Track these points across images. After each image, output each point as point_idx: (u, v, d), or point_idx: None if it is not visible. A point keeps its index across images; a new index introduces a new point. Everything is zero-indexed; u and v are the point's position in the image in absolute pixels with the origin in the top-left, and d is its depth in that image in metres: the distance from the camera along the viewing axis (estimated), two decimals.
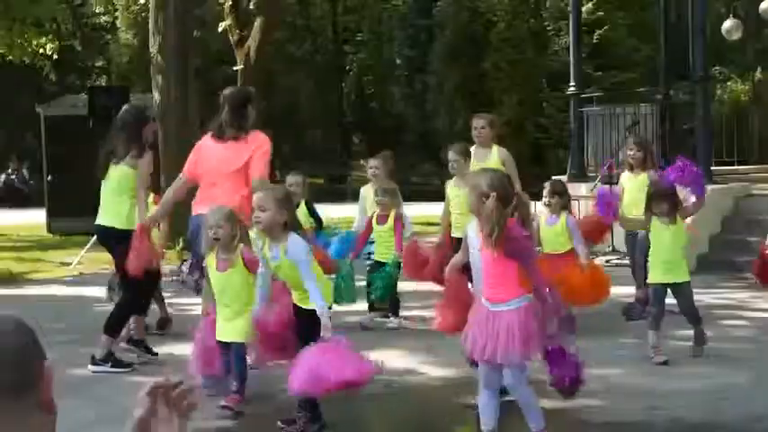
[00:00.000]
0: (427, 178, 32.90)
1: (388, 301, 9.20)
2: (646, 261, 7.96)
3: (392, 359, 7.75)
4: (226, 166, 7.01)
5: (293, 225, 5.84)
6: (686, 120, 15.47)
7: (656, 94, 18.01)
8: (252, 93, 7.53)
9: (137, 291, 7.65)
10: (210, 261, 6.44)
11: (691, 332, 7.84)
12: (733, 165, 17.64)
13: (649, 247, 7.74)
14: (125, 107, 8.25)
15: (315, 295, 5.70)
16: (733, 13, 18.52)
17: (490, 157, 8.87)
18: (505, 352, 5.17)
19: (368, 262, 9.48)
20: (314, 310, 5.73)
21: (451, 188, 8.80)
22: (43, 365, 1.72)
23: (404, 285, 9.41)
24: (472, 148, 8.87)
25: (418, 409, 6.77)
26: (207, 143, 7.26)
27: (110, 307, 7.88)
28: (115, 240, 7.63)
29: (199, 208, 7.08)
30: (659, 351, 7.47)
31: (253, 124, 7.19)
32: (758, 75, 27.88)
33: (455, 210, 8.72)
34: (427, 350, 8.00)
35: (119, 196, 7.61)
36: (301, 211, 8.52)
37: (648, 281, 7.82)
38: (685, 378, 7.03)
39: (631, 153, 9.42)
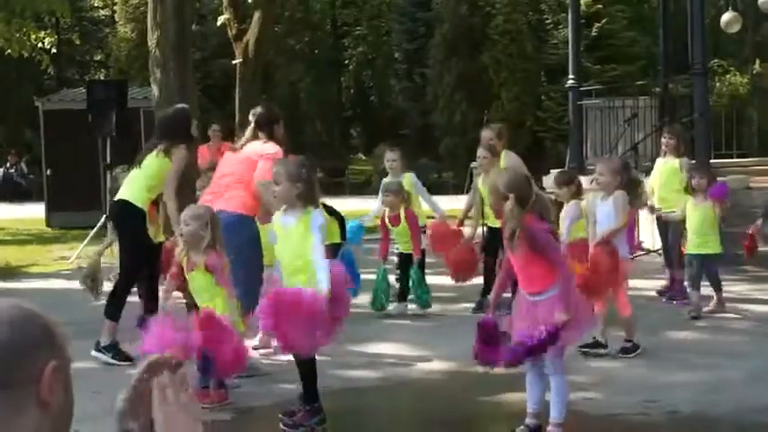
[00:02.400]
0: (425, 172, 32.92)
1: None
2: (680, 245, 9.24)
3: (391, 351, 7.78)
4: (233, 163, 7.25)
5: (309, 197, 5.85)
6: (685, 112, 15.49)
7: (655, 86, 18.05)
8: (278, 113, 7.70)
9: (136, 271, 7.70)
10: (182, 258, 6.39)
11: (684, 332, 8.03)
12: (732, 157, 17.65)
13: (684, 230, 9.04)
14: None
15: (321, 273, 5.69)
16: (732, 6, 18.52)
17: (498, 165, 9.19)
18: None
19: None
20: None
21: (482, 184, 9.09)
22: (42, 364, 1.68)
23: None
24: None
25: (416, 402, 6.79)
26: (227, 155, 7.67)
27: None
28: (122, 212, 7.72)
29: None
30: (697, 308, 8.74)
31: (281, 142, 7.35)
32: (757, 67, 27.91)
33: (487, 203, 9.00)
34: (425, 343, 8.02)
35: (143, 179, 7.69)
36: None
37: (686, 251, 8.98)
38: (681, 370, 7.05)
39: (665, 141, 10.06)
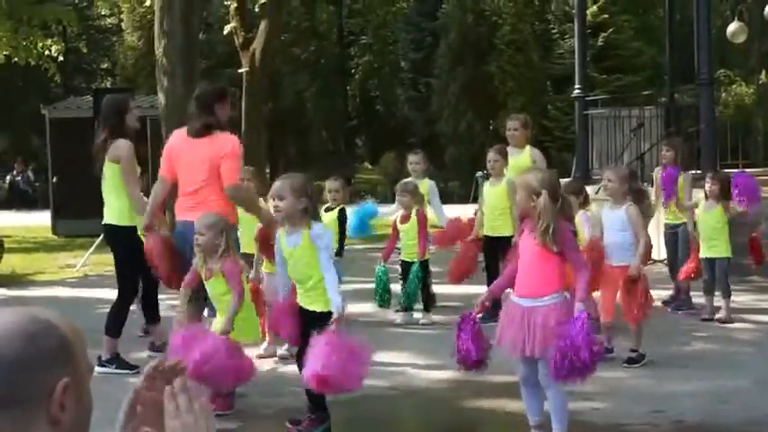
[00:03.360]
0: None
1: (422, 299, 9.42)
2: (687, 255, 9.38)
3: (397, 360, 7.77)
4: (196, 165, 6.89)
5: (314, 213, 5.86)
6: (691, 122, 15.48)
7: (661, 96, 18.04)
8: (224, 91, 7.20)
9: (131, 291, 7.68)
10: (200, 267, 6.40)
11: (691, 342, 7.97)
12: (738, 167, 17.61)
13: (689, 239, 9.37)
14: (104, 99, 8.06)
15: (330, 287, 5.68)
16: (738, 16, 18.50)
17: (522, 157, 9.28)
18: (541, 346, 5.29)
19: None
20: (316, 312, 5.76)
21: (487, 189, 9.14)
22: (55, 381, 1.67)
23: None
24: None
25: (422, 411, 6.78)
26: (178, 140, 7.09)
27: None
28: (113, 237, 7.63)
29: (178, 213, 7.10)
30: (714, 311, 9.06)
31: (226, 123, 7.00)
32: (763, 78, 27.87)
33: (488, 209, 9.09)
34: (431, 352, 8.01)
35: (112, 192, 7.54)
36: (331, 216, 8.56)
37: (700, 255, 9.17)
38: (688, 381, 7.03)
39: (663, 152, 10.06)
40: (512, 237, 8.94)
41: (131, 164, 7.45)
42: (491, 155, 9.22)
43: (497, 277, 9.11)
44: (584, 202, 8.69)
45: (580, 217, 8.47)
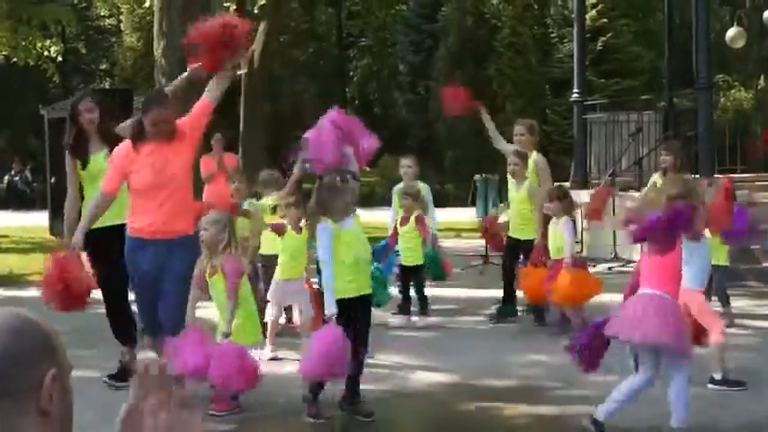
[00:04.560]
0: (428, 184, 32.82)
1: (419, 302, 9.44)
2: None
3: (392, 362, 7.76)
4: None
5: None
6: (689, 127, 15.49)
7: (660, 101, 18.05)
8: (149, 101, 7.24)
9: (109, 295, 7.49)
10: (205, 265, 6.39)
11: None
12: (736, 172, 17.63)
13: None
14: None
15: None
16: (737, 22, 18.54)
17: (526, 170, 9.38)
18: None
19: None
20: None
21: (510, 191, 9.39)
22: (42, 373, 1.70)
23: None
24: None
25: (417, 413, 6.78)
26: None
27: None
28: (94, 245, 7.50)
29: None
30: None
31: (156, 131, 6.91)
32: (761, 82, 27.92)
33: (512, 212, 9.20)
34: (427, 355, 8.00)
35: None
36: None
37: None
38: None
39: (662, 157, 10.03)
40: (533, 240, 8.99)
41: (68, 174, 7.29)
42: (512, 158, 9.28)
43: (513, 279, 9.18)
44: (569, 208, 8.68)
45: (563, 224, 8.48)
